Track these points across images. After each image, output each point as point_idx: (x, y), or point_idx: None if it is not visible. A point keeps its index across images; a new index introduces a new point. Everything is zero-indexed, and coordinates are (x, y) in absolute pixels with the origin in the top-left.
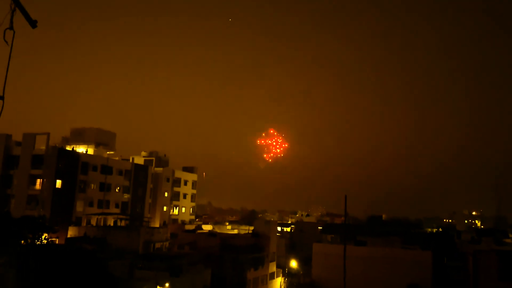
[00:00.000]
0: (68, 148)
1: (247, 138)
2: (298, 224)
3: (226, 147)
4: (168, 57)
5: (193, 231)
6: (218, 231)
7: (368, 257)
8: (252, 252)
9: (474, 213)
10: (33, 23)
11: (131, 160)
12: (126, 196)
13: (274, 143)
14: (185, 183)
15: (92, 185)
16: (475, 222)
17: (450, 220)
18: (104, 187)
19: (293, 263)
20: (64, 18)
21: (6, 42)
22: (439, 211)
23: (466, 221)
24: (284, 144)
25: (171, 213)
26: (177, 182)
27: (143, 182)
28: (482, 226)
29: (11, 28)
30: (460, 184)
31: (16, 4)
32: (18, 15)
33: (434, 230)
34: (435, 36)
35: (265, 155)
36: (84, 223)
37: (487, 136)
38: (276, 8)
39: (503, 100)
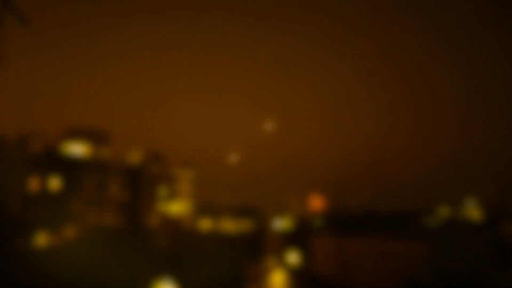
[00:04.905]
0: (63, 147)
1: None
2: (297, 217)
3: (223, 141)
4: (161, 49)
5: (192, 227)
6: (217, 226)
7: (365, 250)
8: (252, 246)
9: (471, 203)
10: (24, 21)
11: (127, 158)
12: (123, 194)
13: None
14: (183, 180)
15: (88, 184)
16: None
17: (447, 211)
18: (101, 186)
19: (293, 257)
20: (56, 15)
21: None
22: (436, 202)
23: (463, 212)
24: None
25: (169, 210)
26: (174, 179)
27: (140, 180)
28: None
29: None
30: (458, 175)
31: (4, 1)
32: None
33: (431, 221)
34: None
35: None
36: (81, 223)
37: (485, 126)
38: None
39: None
